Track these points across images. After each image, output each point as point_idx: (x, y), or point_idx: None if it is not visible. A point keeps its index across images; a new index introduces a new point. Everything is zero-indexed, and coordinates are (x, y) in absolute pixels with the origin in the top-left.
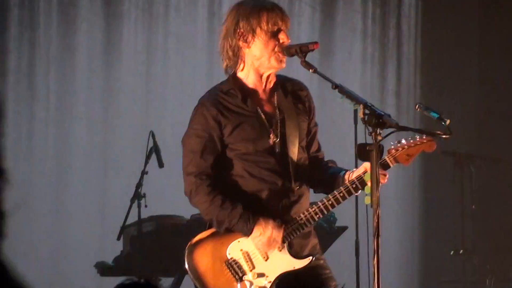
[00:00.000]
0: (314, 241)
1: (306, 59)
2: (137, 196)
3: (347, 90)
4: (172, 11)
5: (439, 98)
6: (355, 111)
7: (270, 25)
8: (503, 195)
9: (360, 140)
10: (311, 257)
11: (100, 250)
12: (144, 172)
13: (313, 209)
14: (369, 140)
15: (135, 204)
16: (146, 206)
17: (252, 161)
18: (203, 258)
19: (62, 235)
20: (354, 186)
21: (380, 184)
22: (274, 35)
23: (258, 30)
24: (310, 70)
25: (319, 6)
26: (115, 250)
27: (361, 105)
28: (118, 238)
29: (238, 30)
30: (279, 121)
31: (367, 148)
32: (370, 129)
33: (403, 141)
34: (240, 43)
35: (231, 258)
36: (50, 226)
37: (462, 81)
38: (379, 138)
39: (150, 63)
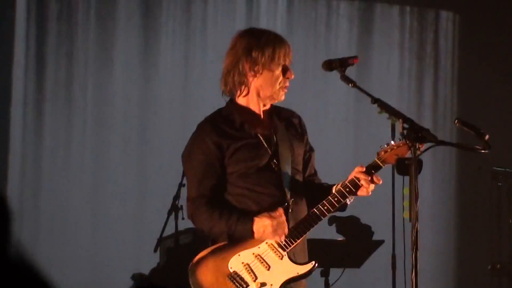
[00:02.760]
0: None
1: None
2: (174, 208)
3: (386, 104)
4: (210, 24)
5: (476, 112)
6: (393, 126)
7: (281, 60)
8: None
9: None
10: (313, 262)
11: (137, 262)
12: (181, 184)
13: (311, 215)
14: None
15: (172, 216)
16: (183, 218)
17: (251, 178)
18: (207, 275)
19: (100, 246)
20: (347, 189)
21: (373, 188)
22: (284, 70)
23: (270, 62)
24: (350, 85)
25: (356, 19)
26: (152, 262)
27: (400, 119)
28: (155, 250)
29: (250, 59)
30: (275, 145)
31: (406, 162)
32: (409, 143)
33: (392, 142)
34: (250, 71)
35: (234, 272)
36: (87, 238)
37: (499, 95)
38: (418, 152)
39: (187, 76)
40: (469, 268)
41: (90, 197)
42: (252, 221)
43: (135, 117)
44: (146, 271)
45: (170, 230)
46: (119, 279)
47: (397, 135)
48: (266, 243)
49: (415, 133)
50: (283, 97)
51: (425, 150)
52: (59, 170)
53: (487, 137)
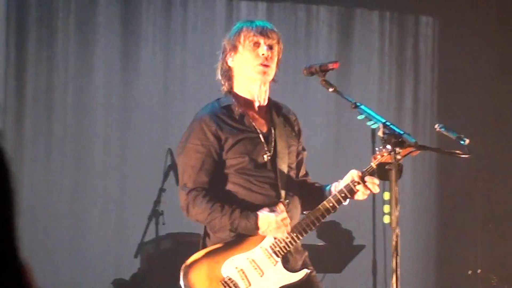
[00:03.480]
0: (304, 253)
1: (325, 78)
2: (155, 213)
3: (366, 109)
4: (190, 29)
5: (456, 116)
6: (373, 130)
7: (247, 40)
8: None
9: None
10: (306, 271)
11: (117, 267)
12: (162, 190)
13: (304, 221)
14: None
15: (152, 222)
16: (163, 223)
17: (247, 174)
18: (199, 278)
19: (80, 252)
20: (343, 195)
21: (370, 193)
22: (253, 49)
23: (239, 46)
24: (330, 90)
25: (336, 25)
26: (132, 268)
27: (380, 124)
28: (136, 256)
29: (225, 52)
30: (272, 139)
31: (386, 167)
32: (390, 148)
33: (388, 146)
34: (228, 61)
35: (227, 277)
36: (68, 243)
37: (479, 100)
38: (398, 157)
39: (167, 81)
40: (449, 273)
41: (70, 202)
42: (256, 216)
43: (115, 122)
44: (126, 276)
45: (150, 235)
46: (100, 284)
47: (378, 140)
48: (260, 247)
49: (395, 138)
50: (266, 77)
51: (406, 154)
52: (39, 175)
53: (467, 141)
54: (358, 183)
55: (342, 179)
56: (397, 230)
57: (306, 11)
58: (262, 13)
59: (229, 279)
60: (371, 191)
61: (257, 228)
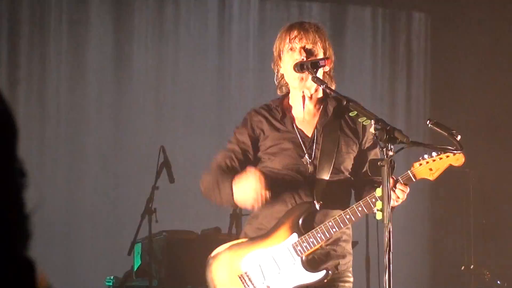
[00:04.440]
0: (336, 261)
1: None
2: (148, 211)
3: (358, 105)
4: (182, 27)
5: (448, 113)
6: (364, 127)
7: (286, 45)
8: None
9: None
10: (325, 272)
11: (111, 265)
12: (155, 187)
13: (330, 223)
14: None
15: (146, 219)
16: (157, 221)
17: (276, 178)
18: (220, 271)
19: (73, 250)
20: (374, 200)
21: (399, 200)
22: (291, 55)
23: (280, 52)
24: (321, 86)
25: (329, 21)
26: (126, 265)
27: (372, 120)
28: (129, 253)
29: (274, 58)
30: (316, 142)
31: (379, 163)
32: (382, 144)
33: (426, 155)
34: (278, 68)
35: (245, 272)
36: (61, 241)
37: (471, 96)
38: (391, 153)
39: (160, 78)
40: (442, 269)
41: (64, 199)
42: (231, 184)
43: (108, 119)
44: (120, 274)
45: (144, 233)
46: (93, 282)
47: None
48: (283, 245)
49: (387, 134)
50: (298, 84)
51: (398, 151)
52: (32, 173)
53: (459, 137)
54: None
55: None
56: (390, 226)
57: (299, 7)
58: (254, 11)
59: (246, 273)
60: (397, 196)
61: (232, 194)
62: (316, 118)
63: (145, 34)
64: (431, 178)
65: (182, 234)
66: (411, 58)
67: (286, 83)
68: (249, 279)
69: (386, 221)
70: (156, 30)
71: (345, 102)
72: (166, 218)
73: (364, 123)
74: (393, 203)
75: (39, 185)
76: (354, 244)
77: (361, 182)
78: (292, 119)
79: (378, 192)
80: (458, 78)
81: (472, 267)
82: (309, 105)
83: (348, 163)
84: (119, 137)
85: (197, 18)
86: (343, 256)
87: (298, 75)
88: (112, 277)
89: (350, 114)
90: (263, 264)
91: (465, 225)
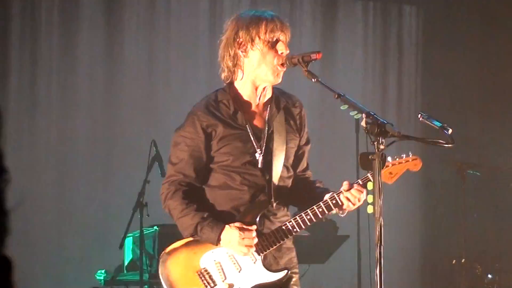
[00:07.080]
0: (291, 254)
1: (308, 68)
2: (139, 205)
3: (349, 99)
4: (173, 21)
5: (440, 106)
6: (357, 121)
7: (268, 35)
8: (504, 203)
9: (362, 149)
10: (286, 271)
11: (102, 259)
12: (146, 181)
13: (291, 223)
14: (371, 149)
15: (137, 213)
16: (148, 215)
17: (234, 173)
18: (176, 267)
19: (64, 244)
20: (334, 201)
21: (354, 206)
22: (273, 45)
23: (256, 39)
24: (313, 80)
25: (320, 15)
26: (117, 259)
27: (363, 114)
28: (121, 247)
29: (238, 40)
30: (267, 136)
31: (370, 157)
32: (373, 138)
33: (388, 159)
34: (239, 52)
35: (204, 268)
36: (51, 235)
37: (463, 89)
38: (382, 147)
39: (151, 72)
40: (434, 263)
41: (54, 194)
42: (221, 229)
43: (99, 113)
44: (111, 267)
45: (135, 227)
46: (85, 275)
47: (361, 130)
48: None
49: (378, 128)
50: (278, 79)
51: (389, 144)
52: (23, 167)
53: (450, 131)
54: (346, 191)
55: (324, 169)
56: (381, 220)
57: (290, 1)
58: (246, 5)
59: (205, 270)
60: (350, 200)
61: (219, 239)
62: (266, 112)
63: (136, 27)
64: (390, 182)
65: (173, 228)
66: (403, 51)
67: (237, 69)
68: (209, 276)
69: (377, 215)
70: (147, 23)
71: (336, 96)
72: (157, 212)
73: (355, 117)
74: (349, 207)
75: (30, 178)
76: (345, 238)
77: (301, 182)
78: (244, 114)
79: (370, 186)
80: (450, 71)
81: (463, 261)
82: (263, 99)
83: (291, 158)
84: (111, 130)
85: (188, 12)
86: (292, 250)
87: (282, 69)
88: (103, 271)
89: (341, 107)
90: (224, 262)
91: (456, 219)
